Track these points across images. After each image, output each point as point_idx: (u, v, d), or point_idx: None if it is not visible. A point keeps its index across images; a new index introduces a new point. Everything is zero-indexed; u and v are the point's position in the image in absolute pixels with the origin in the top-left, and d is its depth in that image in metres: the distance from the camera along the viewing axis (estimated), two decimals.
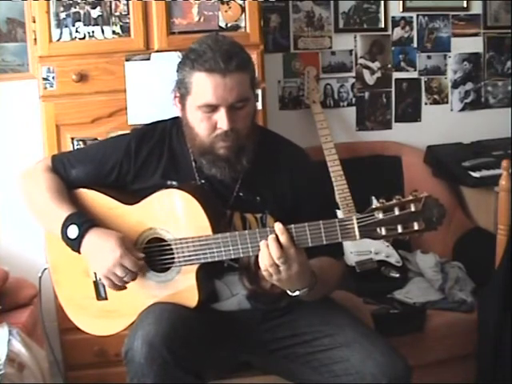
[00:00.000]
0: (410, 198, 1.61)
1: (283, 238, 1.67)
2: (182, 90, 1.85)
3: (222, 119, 1.80)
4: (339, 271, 1.96)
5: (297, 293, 1.75)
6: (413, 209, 1.60)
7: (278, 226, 1.68)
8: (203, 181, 1.92)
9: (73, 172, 1.97)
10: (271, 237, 1.68)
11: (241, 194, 1.92)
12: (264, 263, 1.69)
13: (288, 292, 1.77)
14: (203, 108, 1.81)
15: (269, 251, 1.67)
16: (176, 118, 2.00)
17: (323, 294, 1.87)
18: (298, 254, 1.68)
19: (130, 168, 1.94)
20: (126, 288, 1.84)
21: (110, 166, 1.95)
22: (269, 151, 1.94)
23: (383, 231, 1.62)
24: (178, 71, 1.88)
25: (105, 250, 1.79)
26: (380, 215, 1.62)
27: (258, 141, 1.91)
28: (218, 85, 1.78)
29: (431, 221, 1.60)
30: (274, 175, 1.93)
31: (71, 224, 1.83)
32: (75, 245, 1.83)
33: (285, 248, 1.67)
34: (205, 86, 1.79)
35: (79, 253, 1.84)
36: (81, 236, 1.82)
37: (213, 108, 1.80)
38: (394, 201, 1.62)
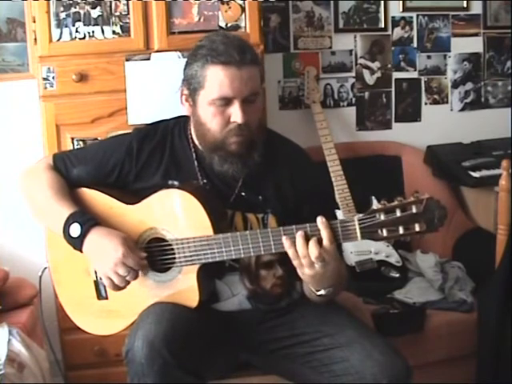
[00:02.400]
0: (412, 199, 1.61)
1: (325, 233, 1.65)
2: (194, 86, 1.85)
3: (236, 112, 1.81)
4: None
5: (322, 292, 1.75)
6: (414, 210, 1.60)
7: (322, 220, 1.66)
8: (205, 180, 1.92)
9: (74, 171, 1.97)
10: (314, 240, 1.66)
11: (242, 193, 1.92)
12: (300, 261, 1.68)
13: (313, 291, 1.77)
14: (218, 101, 1.81)
15: (307, 251, 1.66)
16: (178, 118, 2.00)
17: (336, 294, 1.85)
18: (336, 251, 1.68)
19: (131, 168, 1.94)
20: (125, 288, 1.84)
21: (112, 166, 1.95)
22: (270, 150, 1.94)
23: (384, 232, 1.62)
24: (185, 69, 1.89)
25: (107, 249, 1.78)
26: (381, 216, 1.62)
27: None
28: (235, 77, 1.79)
29: (432, 222, 1.60)
30: (276, 174, 1.94)
31: (73, 222, 1.82)
32: (77, 243, 1.83)
33: (325, 245, 1.66)
34: (220, 78, 1.80)
35: (81, 251, 1.83)
36: (83, 235, 1.81)
37: (227, 101, 1.81)
38: (396, 202, 1.62)
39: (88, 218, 1.84)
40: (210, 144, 1.87)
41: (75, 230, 1.82)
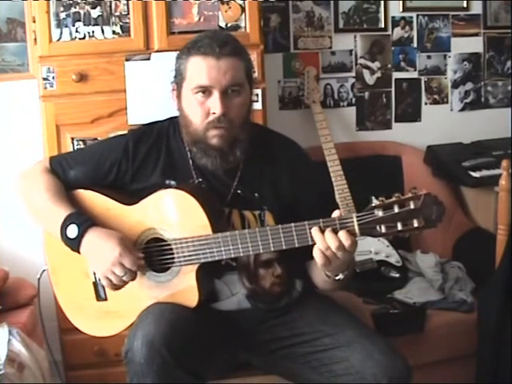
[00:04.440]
0: (410, 195, 1.62)
1: (348, 244, 1.65)
2: (178, 78, 1.89)
3: (215, 103, 1.82)
4: None
5: (340, 276, 1.76)
6: (412, 206, 1.60)
7: (345, 236, 1.65)
8: (200, 179, 1.92)
9: (71, 173, 1.97)
10: (330, 231, 1.66)
11: (239, 191, 1.92)
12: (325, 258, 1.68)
13: (332, 277, 1.77)
14: (196, 90, 1.83)
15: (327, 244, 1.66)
16: (172, 118, 2.00)
17: (350, 276, 1.84)
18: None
19: (128, 168, 1.94)
20: (123, 287, 1.83)
21: (109, 166, 1.95)
22: (266, 148, 1.95)
23: (383, 229, 1.62)
24: (175, 64, 1.91)
25: (104, 250, 1.78)
26: (380, 213, 1.62)
27: (255, 136, 1.92)
28: (212, 67, 1.81)
29: (431, 218, 1.60)
30: (272, 172, 1.94)
31: (71, 224, 1.83)
32: (75, 244, 1.83)
33: (348, 249, 1.67)
34: (199, 68, 1.82)
35: (79, 252, 1.83)
36: (80, 235, 1.81)
37: (206, 92, 1.82)
38: (394, 198, 1.62)
39: (85, 219, 1.84)
40: (192, 136, 1.88)
41: (72, 231, 1.82)
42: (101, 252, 1.79)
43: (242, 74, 1.86)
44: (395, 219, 1.61)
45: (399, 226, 1.61)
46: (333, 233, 1.66)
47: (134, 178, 1.95)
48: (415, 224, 1.61)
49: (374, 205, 1.63)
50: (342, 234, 1.65)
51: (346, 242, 1.65)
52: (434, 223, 1.61)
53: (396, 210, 1.61)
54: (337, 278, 1.77)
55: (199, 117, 1.85)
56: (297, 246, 1.71)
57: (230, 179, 1.91)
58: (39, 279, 2.14)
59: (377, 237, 1.66)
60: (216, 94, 1.82)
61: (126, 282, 1.81)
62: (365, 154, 3.26)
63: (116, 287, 1.82)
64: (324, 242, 1.66)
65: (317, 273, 1.87)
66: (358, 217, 1.64)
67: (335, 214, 1.69)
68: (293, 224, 1.70)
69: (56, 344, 2.63)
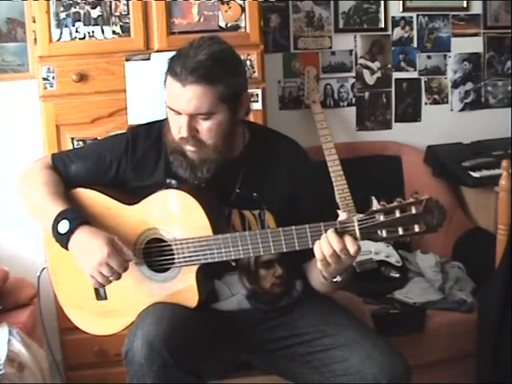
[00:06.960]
0: (411, 200, 1.61)
1: (353, 250, 1.66)
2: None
3: (182, 125, 1.80)
4: None
5: (338, 278, 1.75)
6: (414, 211, 1.60)
7: (349, 240, 1.66)
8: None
9: (72, 168, 1.97)
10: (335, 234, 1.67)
11: (238, 190, 1.91)
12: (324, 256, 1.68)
13: (329, 279, 1.77)
14: (169, 109, 1.83)
15: (332, 247, 1.66)
16: None
17: (348, 278, 1.84)
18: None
19: (127, 165, 1.94)
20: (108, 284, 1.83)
21: (109, 162, 1.95)
22: (267, 147, 1.94)
23: (384, 233, 1.62)
24: None
25: (92, 248, 1.77)
26: (381, 217, 1.62)
27: (255, 136, 1.92)
28: (178, 94, 1.78)
29: (432, 223, 1.60)
30: (272, 171, 1.93)
31: (63, 219, 1.82)
32: (64, 240, 1.81)
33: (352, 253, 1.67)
34: (170, 90, 1.81)
35: (67, 249, 1.82)
36: (70, 231, 1.80)
37: (177, 112, 1.81)
38: (395, 203, 1.62)
39: (78, 216, 1.83)
40: (170, 144, 1.87)
41: (63, 226, 1.81)
42: (88, 250, 1.78)
43: (212, 101, 1.78)
44: (396, 224, 1.61)
45: (400, 231, 1.61)
46: (338, 236, 1.66)
47: (135, 176, 1.94)
48: (416, 229, 1.61)
49: (375, 209, 1.63)
50: (349, 240, 1.65)
51: (352, 248, 1.65)
52: (434, 228, 1.61)
53: (397, 214, 1.61)
54: (334, 280, 1.77)
55: (174, 131, 1.84)
56: (297, 248, 1.72)
57: (232, 179, 1.91)
58: (39, 277, 2.13)
59: (378, 241, 1.65)
60: (184, 117, 1.79)
61: (110, 282, 1.81)
62: (365, 154, 3.26)
63: (101, 286, 1.83)
64: (329, 246, 1.66)
65: (314, 275, 1.87)
66: (359, 221, 1.64)
67: (342, 216, 1.69)
68: (293, 227, 1.70)
69: (56, 344, 2.63)
